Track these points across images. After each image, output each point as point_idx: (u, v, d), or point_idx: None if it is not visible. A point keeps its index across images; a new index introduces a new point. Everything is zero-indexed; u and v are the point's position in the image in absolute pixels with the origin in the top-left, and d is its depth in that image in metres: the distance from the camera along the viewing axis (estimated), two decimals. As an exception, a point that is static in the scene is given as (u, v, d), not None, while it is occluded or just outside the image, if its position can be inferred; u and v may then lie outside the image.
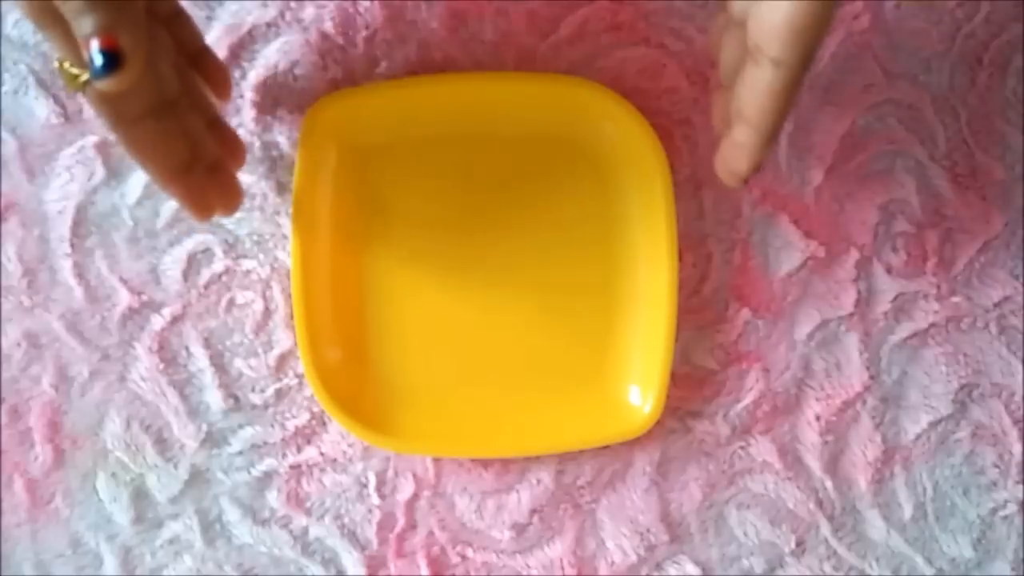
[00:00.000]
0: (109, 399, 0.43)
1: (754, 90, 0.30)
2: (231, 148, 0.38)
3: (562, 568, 0.43)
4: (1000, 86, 0.43)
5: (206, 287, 0.43)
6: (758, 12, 0.29)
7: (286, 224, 0.42)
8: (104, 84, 0.27)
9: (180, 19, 0.35)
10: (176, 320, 0.43)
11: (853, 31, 0.43)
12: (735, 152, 0.32)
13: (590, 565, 0.43)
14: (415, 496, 0.43)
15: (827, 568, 0.43)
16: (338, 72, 0.42)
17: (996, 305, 0.43)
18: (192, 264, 0.43)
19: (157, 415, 0.43)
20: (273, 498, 0.43)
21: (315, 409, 0.43)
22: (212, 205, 0.35)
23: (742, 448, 0.43)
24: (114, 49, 0.27)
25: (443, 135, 0.42)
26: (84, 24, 0.27)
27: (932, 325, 0.43)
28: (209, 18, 0.42)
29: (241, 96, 0.42)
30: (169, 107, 0.33)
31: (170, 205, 0.43)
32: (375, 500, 0.43)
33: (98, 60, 0.27)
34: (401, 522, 0.43)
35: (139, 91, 0.31)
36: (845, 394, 0.43)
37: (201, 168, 0.35)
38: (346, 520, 0.43)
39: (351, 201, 0.42)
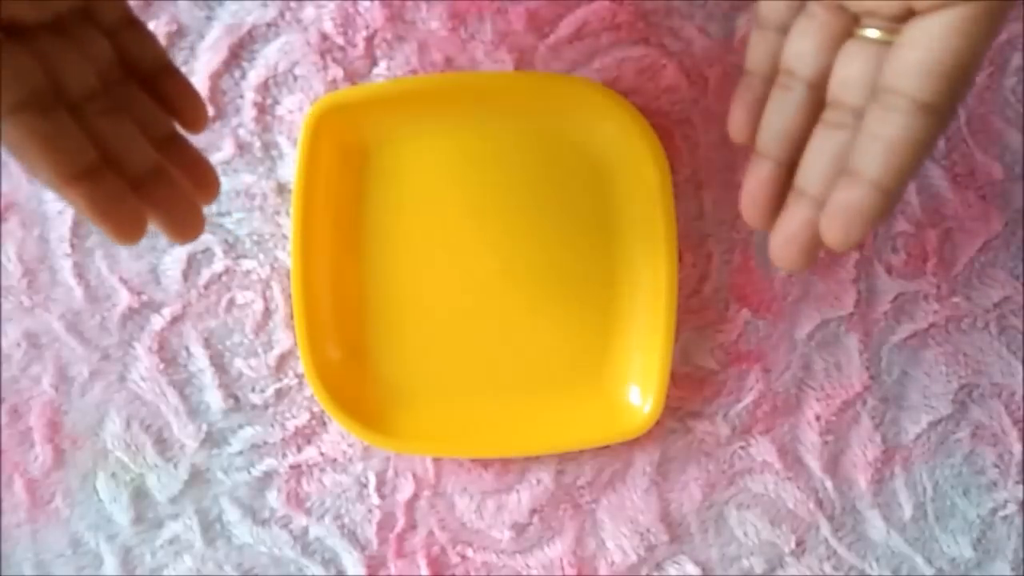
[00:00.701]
0: (109, 399, 0.43)
1: (886, 139, 0.26)
2: (192, 172, 0.32)
3: (562, 568, 0.43)
4: (999, 86, 0.43)
5: (206, 287, 0.43)
6: (899, 54, 0.26)
7: (286, 224, 0.42)
8: None
9: (133, 32, 0.31)
10: (176, 320, 0.43)
11: (853, 31, 0.43)
12: (841, 216, 0.27)
13: (590, 565, 0.43)
14: (415, 496, 0.43)
15: (827, 568, 0.43)
16: (338, 72, 0.42)
17: (996, 305, 0.43)
18: (192, 264, 0.43)
19: (157, 415, 0.43)
20: (273, 498, 0.43)
21: (315, 409, 0.43)
22: (135, 224, 0.29)
23: (742, 448, 0.43)
24: None
25: (443, 135, 0.42)
26: None
27: (932, 325, 0.43)
28: (209, 18, 0.42)
29: (241, 96, 0.42)
30: (72, 106, 0.29)
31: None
32: (375, 500, 0.43)
33: None
34: (401, 522, 0.43)
35: (15, 78, 0.27)
36: (845, 394, 0.43)
37: (117, 178, 0.29)
38: (346, 520, 0.43)
39: (351, 201, 0.42)
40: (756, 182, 0.30)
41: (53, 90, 0.28)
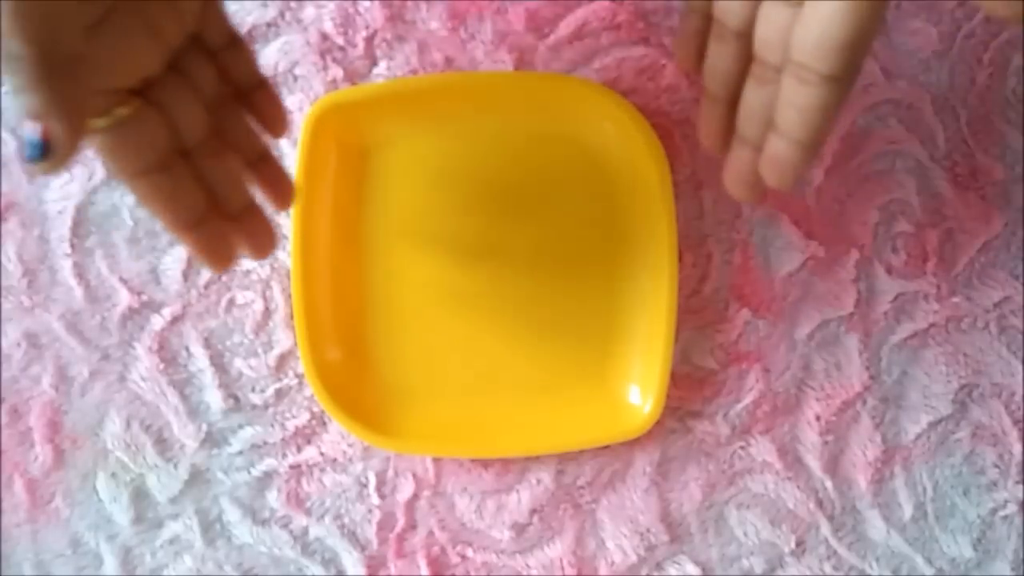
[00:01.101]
0: (109, 399, 0.43)
1: (800, 107, 0.28)
2: (275, 187, 0.34)
3: (562, 568, 0.43)
4: (1000, 86, 0.43)
5: (206, 287, 0.43)
6: (800, 28, 0.28)
7: (286, 224, 0.42)
8: (30, 169, 0.25)
9: (235, 50, 0.32)
10: (176, 320, 0.43)
11: (853, 31, 0.43)
12: (773, 166, 0.30)
13: (590, 565, 0.43)
14: (415, 496, 0.43)
15: (827, 568, 0.43)
16: (338, 72, 0.42)
17: (996, 305, 0.43)
18: (192, 264, 0.43)
19: (157, 415, 0.43)
20: (273, 498, 0.43)
21: (315, 409, 0.43)
22: (230, 255, 0.32)
23: (742, 448, 0.43)
24: (45, 139, 0.24)
25: (443, 135, 0.42)
26: (20, 102, 0.25)
27: (932, 325, 0.43)
28: (209, 18, 0.42)
29: (241, 96, 0.42)
30: (188, 155, 0.30)
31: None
32: (375, 500, 0.43)
33: (28, 146, 0.25)
34: (401, 522, 0.43)
35: (146, 146, 0.29)
36: (845, 394, 0.43)
37: (220, 217, 0.32)
38: (346, 520, 0.43)
39: (351, 201, 0.42)
40: (707, 119, 0.34)
41: (174, 145, 0.30)
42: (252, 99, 0.33)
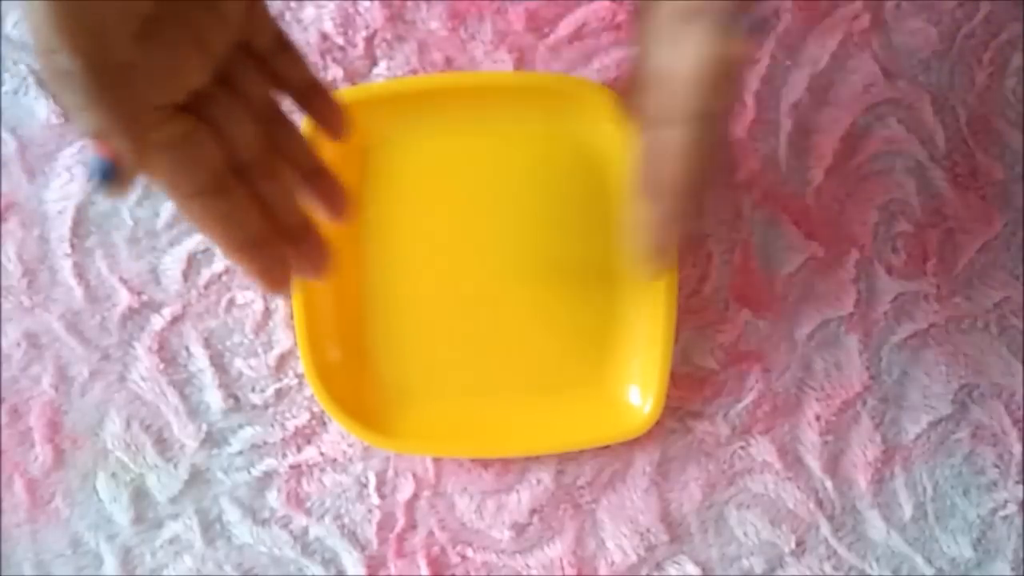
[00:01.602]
0: (109, 399, 0.43)
1: (673, 154, 0.28)
2: (331, 200, 0.33)
3: (562, 568, 0.43)
4: (1000, 86, 0.43)
5: (206, 287, 0.43)
6: (667, 76, 0.27)
7: (286, 224, 0.42)
8: (100, 193, 0.24)
9: (285, 55, 0.31)
10: (176, 320, 0.43)
11: (853, 31, 0.43)
12: (656, 231, 0.29)
13: (590, 565, 0.43)
14: (415, 496, 0.43)
15: (827, 568, 0.43)
16: (338, 72, 0.42)
17: (996, 305, 0.43)
18: (192, 264, 0.43)
19: (157, 415, 0.43)
20: (273, 498, 0.43)
21: (315, 409, 0.43)
22: (287, 276, 0.31)
23: (742, 448, 0.43)
24: (113, 159, 0.24)
25: (443, 135, 0.42)
26: (80, 123, 0.24)
27: (932, 325, 0.43)
28: (209, 18, 0.42)
29: (241, 96, 0.42)
30: (240, 174, 0.29)
31: (170, 205, 0.43)
32: (375, 500, 0.43)
33: (94, 169, 0.24)
34: (401, 522, 0.43)
35: (200, 165, 0.28)
36: (845, 394, 0.43)
37: (276, 237, 0.30)
38: (346, 520, 0.43)
39: (351, 201, 0.42)
40: (648, 224, 0.32)
41: (228, 165, 0.29)
42: (307, 102, 0.32)
